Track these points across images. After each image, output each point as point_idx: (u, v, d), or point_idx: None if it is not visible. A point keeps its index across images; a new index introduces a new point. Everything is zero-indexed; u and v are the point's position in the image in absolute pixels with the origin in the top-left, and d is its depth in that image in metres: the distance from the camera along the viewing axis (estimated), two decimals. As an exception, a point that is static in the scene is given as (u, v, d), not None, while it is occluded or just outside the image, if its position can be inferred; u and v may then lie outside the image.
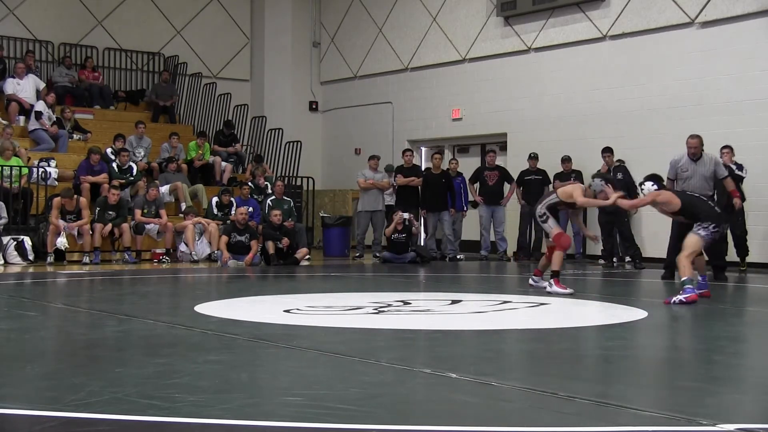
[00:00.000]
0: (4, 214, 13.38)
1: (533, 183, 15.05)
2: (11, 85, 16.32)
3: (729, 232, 12.37)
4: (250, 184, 15.47)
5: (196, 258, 13.86)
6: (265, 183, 15.76)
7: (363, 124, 19.39)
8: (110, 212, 13.69)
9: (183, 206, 14.98)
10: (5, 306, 7.64)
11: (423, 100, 18.18)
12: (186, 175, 16.09)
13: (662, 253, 11.46)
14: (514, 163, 15.68)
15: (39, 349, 5.31)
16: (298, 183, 17.18)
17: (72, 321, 6.79)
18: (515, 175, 15.28)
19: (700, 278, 8.35)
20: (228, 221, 14.05)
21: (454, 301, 7.97)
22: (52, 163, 14.86)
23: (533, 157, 15.09)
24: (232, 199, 14.77)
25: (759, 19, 13.34)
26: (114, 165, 14.92)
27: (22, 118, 16.04)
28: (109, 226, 13.55)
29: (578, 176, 14.84)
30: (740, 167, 12.33)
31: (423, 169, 16.24)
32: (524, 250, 15.14)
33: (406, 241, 14.20)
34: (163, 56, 19.41)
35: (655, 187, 8.39)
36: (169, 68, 19.17)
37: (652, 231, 13.74)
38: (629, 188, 13.19)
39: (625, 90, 14.78)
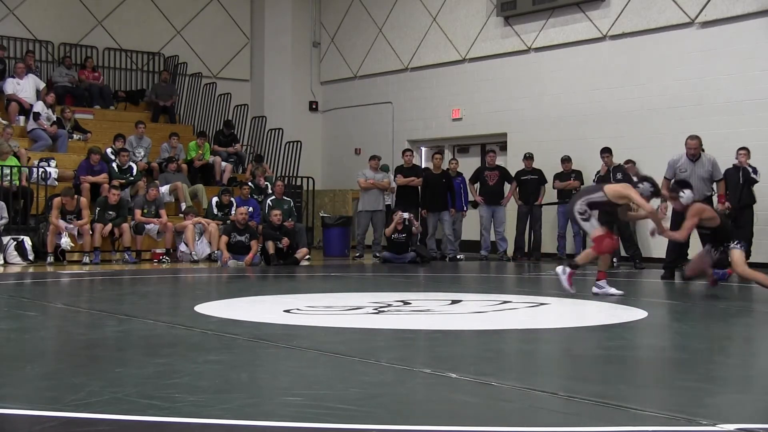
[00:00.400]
0: (5, 214, 13.38)
1: (529, 183, 15.08)
2: (11, 85, 16.32)
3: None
4: (250, 184, 15.48)
5: (196, 258, 13.86)
6: (266, 183, 15.76)
7: (363, 124, 19.39)
8: (110, 212, 13.70)
9: (183, 206, 14.98)
10: (5, 306, 7.64)
11: (423, 100, 18.18)
12: (186, 175, 16.10)
13: (662, 253, 11.46)
14: (514, 163, 15.68)
15: (39, 349, 5.31)
16: (298, 183, 17.18)
17: (72, 321, 6.79)
18: (514, 175, 15.31)
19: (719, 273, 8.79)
20: (228, 221, 14.05)
21: (454, 301, 7.97)
22: (52, 163, 14.87)
23: (528, 157, 15.12)
24: (232, 199, 14.78)
25: (759, 19, 13.34)
26: (114, 165, 14.92)
27: (22, 118, 16.04)
28: (109, 226, 13.55)
29: (578, 176, 14.86)
30: (755, 170, 12.35)
31: (423, 168, 16.25)
32: (521, 250, 15.15)
33: (406, 241, 14.20)
34: (163, 56, 19.42)
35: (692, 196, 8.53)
36: (169, 68, 19.17)
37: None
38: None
39: (625, 90, 14.78)
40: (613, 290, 8.35)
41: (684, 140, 10.83)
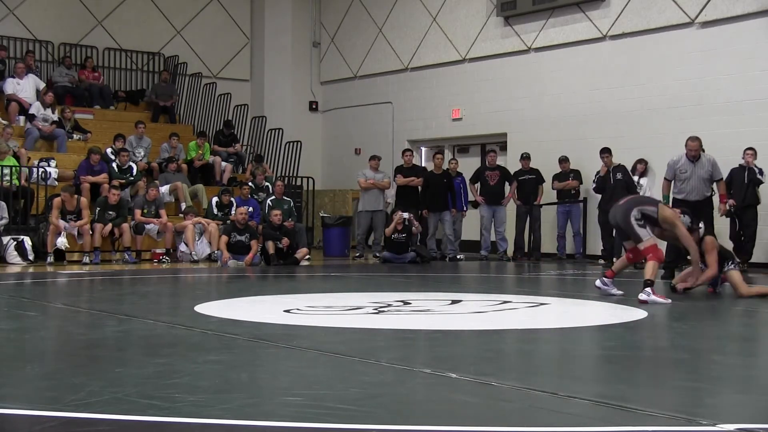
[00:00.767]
0: (5, 214, 13.38)
1: (528, 183, 15.11)
2: (11, 85, 16.33)
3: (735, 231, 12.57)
4: (250, 184, 15.48)
5: (196, 258, 13.86)
6: (266, 183, 15.76)
7: (363, 124, 19.40)
8: (110, 212, 13.70)
9: (183, 206, 14.98)
10: (5, 306, 7.64)
11: (423, 100, 18.18)
12: (186, 175, 16.10)
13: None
14: (514, 163, 15.68)
15: (39, 349, 5.31)
16: (298, 183, 17.18)
17: (72, 321, 6.78)
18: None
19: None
20: (228, 221, 14.05)
21: (454, 301, 7.97)
22: (52, 163, 14.87)
23: (525, 157, 15.15)
24: (232, 199, 14.78)
25: (759, 19, 13.34)
26: (114, 165, 14.92)
27: (22, 118, 16.04)
28: (109, 226, 13.55)
29: (576, 175, 14.88)
30: (761, 171, 12.37)
31: (423, 167, 16.25)
32: (521, 250, 15.16)
33: (406, 241, 14.20)
34: (163, 56, 19.42)
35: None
36: (169, 68, 19.17)
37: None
38: (629, 188, 13.22)
39: (625, 90, 14.79)
40: (615, 290, 8.36)
41: (683, 140, 10.82)
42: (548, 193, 15.19)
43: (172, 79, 18.99)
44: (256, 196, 15.24)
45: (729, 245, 12.71)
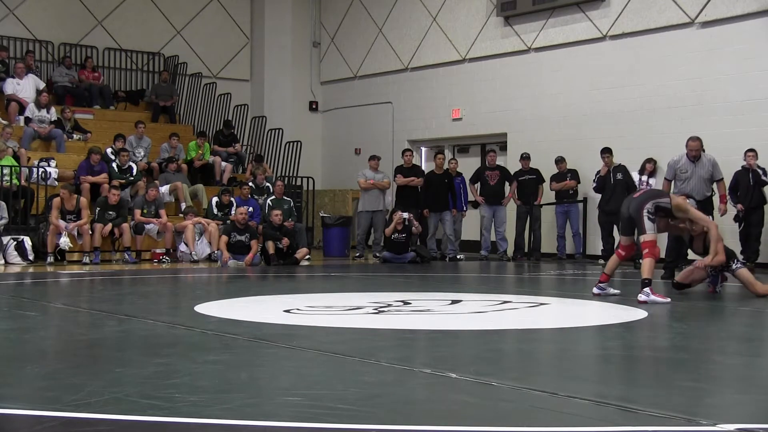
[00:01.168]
0: (5, 214, 13.38)
1: (527, 183, 15.11)
2: (11, 85, 16.33)
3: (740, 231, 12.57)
4: (251, 184, 15.48)
5: (196, 258, 13.86)
6: (266, 184, 15.76)
7: (363, 124, 19.40)
8: (110, 212, 13.70)
9: (183, 206, 14.97)
10: (5, 306, 7.64)
11: (423, 100, 18.18)
12: (186, 175, 16.10)
13: (662, 253, 11.44)
14: (514, 163, 15.67)
15: (39, 349, 5.31)
16: (298, 183, 17.18)
17: (72, 321, 6.79)
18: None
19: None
20: (228, 221, 14.05)
21: (454, 301, 7.97)
22: (52, 163, 14.87)
23: (525, 157, 15.16)
24: (232, 199, 14.78)
25: (759, 19, 13.34)
26: (114, 165, 14.92)
27: (22, 118, 16.04)
28: (109, 226, 13.55)
29: (574, 175, 14.88)
30: (765, 172, 12.36)
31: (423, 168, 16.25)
32: (521, 250, 15.17)
33: (405, 241, 14.20)
34: (163, 56, 19.42)
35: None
36: (169, 68, 19.17)
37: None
38: (629, 189, 13.22)
39: (625, 90, 14.78)
40: (612, 290, 8.38)
41: (683, 140, 10.83)
42: (548, 193, 15.19)
43: (172, 79, 18.99)
44: (256, 197, 15.24)
45: (737, 247, 12.74)
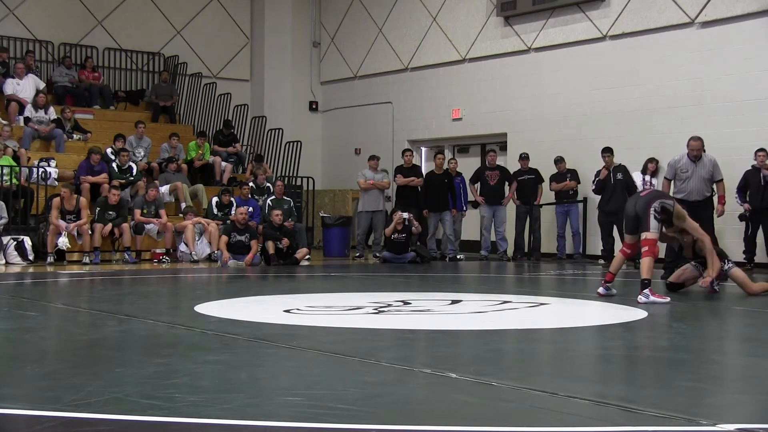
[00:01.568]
0: (4, 214, 13.38)
1: (527, 183, 15.12)
2: (11, 85, 16.33)
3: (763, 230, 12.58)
4: (251, 184, 15.48)
5: (196, 258, 13.86)
6: (267, 184, 15.76)
7: (363, 124, 19.40)
8: (110, 212, 13.70)
9: (183, 206, 14.97)
10: (5, 306, 7.63)
11: (423, 100, 18.18)
12: (186, 175, 16.10)
13: (662, 254, 11.45)
14: (514, 163, 15.67)
15: (39, 349, 5.31)
16: (298, 183, 17.18)
17: (72, 321, 6.79)
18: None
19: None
20: (228, 221, 14.05)
21: (454, 301, 7.97)
22: (52, 163, 14.87)
23: (524, 158, 15.16)
24: (232, 199, 14.78)
25: (759, 19, 13.34)
26: (114, 165, 14.92)
27: (21, 118, 16.04)
28: (109, 226, 13.55)
29: (574, 175, 14.88)
30: None
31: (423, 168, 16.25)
32: (521, 250, 15.17)
33: (405, 241, 14.20)
34: (163, 56, 19.42)
35: None
36: (169, 68, 19.17)
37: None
38: (629, 189, 13.22)
39: (625, 90, 14.78)
40: (614, 290, 8.40)
41: (683, 140, 10.83)
42: (548, 193, 15.19)
43: (172, 79, 18.99)
44: (257, 197, 15.24)
45: (740, 246, 12.75)
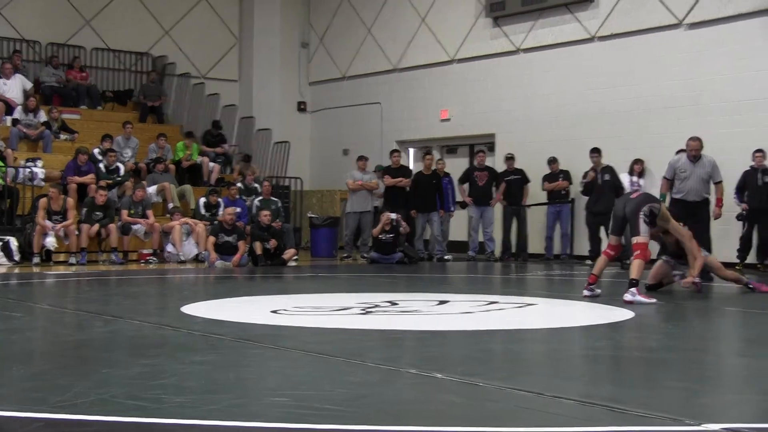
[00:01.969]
0: (-9, 214, 13.33)
1: (513, 183, 15.15)
2: (-2, 85, 16.27)
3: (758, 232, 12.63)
4: (239, 184, 15.46)
5: (183, 258, 13.83)
6: (255, 185, 15.74)
7: (352, 124, 19.39)
8: (97, 213, 13.65)
9: (170, 206, 14.93)
10: (-9, 307, 7.60)
11: (412, 101, 18.19)
12: (174, 175, 16.06)
13: (654, 254, 11.47)
14: (503, 163, 15.69)
15: (25, 350, 5.29)
16: (286, 183, 17.16)
17: (58, 322, 6.76)
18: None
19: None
20: (215, 222, 14.03)
21: (441, 302, 7.98)
22: (39, 163, 14.81)
23: (510, 158, 15.19)
24: (219, 199, 14.75)
25: (752, 20, 13.36)
26: (101, 165, 14.87)
27: (8, 119, 15.97)
28: (96, 226, 13.50)
29: (566, 176, 14.90)
30: None
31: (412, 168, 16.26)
32: (508, 251, 15.20)
33: (393, 241, 14.21)
34: (151, 56, 19.37)
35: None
36: (157, 68, 19.12)
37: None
38: (617, 190, 13.26)
39: (615, 91, 14.82)
40: (597, 290, 8.41)
41: (675, 141, 10.89)
42: (537, 194, 15.22)
43: (160, 80, 18.95)
44: (244, 198, 15.22)
45: (735, 245, 12.78)
